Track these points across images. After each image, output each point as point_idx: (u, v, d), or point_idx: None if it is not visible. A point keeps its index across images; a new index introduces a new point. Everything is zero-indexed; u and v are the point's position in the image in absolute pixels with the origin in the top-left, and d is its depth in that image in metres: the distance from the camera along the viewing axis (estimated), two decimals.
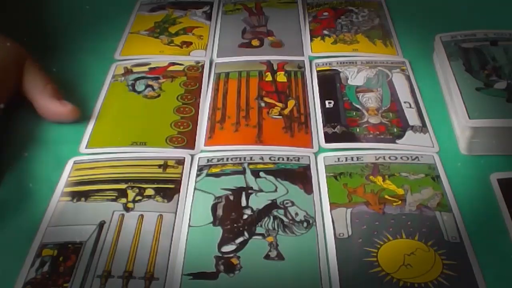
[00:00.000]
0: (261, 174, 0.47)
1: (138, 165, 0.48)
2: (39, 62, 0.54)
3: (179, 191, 0.46)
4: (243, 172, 0.47)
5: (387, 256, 0.41)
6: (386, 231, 0.42)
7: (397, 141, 0.50)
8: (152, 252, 0.41)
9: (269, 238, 0.42)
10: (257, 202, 0.45)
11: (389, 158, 0.48)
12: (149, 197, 0.45)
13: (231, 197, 0.45)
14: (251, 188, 0.46)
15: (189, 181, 0.47)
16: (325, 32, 0.64)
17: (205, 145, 0.50)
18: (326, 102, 0.54)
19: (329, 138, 0.50)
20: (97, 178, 0.47)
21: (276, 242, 0.42)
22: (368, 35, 0.63)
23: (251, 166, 0.48)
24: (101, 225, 0.43)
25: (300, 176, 0.47)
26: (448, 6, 0.66)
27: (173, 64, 0.59)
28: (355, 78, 0.57)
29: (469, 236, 0.42)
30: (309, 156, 0.49)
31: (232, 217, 0.44)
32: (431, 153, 0.49)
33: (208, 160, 0.48)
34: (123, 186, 0.46)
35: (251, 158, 0.49)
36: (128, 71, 0.59)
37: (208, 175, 0.47)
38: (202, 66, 0.59)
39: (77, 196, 0.45)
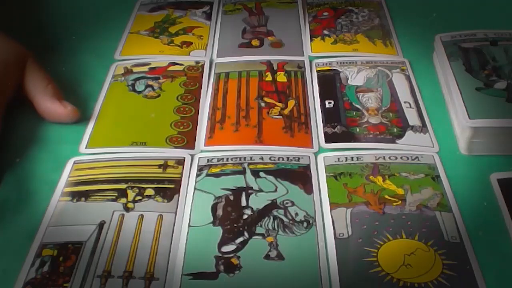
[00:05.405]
0: (261, 174, 0.47)
1: (138, 165, 0.48)
2: (39, 62, 0.54)
3: (179, 191, 0.46)
4: (243, 172, 0.47)
5: (387, 256, 0.41)
6: (386, 231, 0.42)
7: (397, 141, 0.50)
8: (152, 252, 0.41)
9: (269, 238, 0.42)
10: (257, 202, 0.45)
11: (389, 158, 0.48)
12: (149, 197, 0.45)
13: (231, 197, 0.45)
14: (251, 188, 0.46)
15: (189, 181, 0.47)
16: (325, 32, 0.64)
17: (205, 145, 0.50)
18: (326, 102, 0.54)
19: (329, 138, 0.50)
20: (97, 178, 0.47)
21: (276, 242, 0.42)
22: (368, 35, 0.63)
23: (251, 166, 0.48)
24: (101, 225, 0.43)
25: (300, 176, 0.47)
26: (448, 6, 0.66)
27: (173, 64, 0.59)
28: (355, 78, 0.57)
29: (469, 236, 0.42)
30: (309, 156, 0.49)
31: (232, 217, 0.44)
32: (431, 153, 0.49)
33: (208, 160, 0.49)
34: (123, 186, 0.46)
35: (251, 158, 0.49)
36: (128, 71, 0.59)
37: (208, 175, 0.47)
38: (202, 66, 0.59)
39: (77, 196, 0.46)
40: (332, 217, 0.44)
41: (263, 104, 0.54)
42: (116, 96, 0.56)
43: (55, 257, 0.41)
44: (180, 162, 0.48)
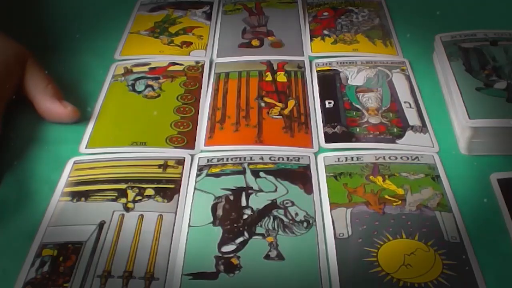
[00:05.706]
0: (261, 174, 0.47)
1: (138, 165, 0.48)
2: (39, 62, 0.54)
3: (179, 191, 0.46)
4: (243, 172, 0.47)
5: (387, 256, 0.41)
6: (386, 231, 0.42)
7: (397, 141, 0.50)
8: (152, 252, 0.41)
9: (269, 238, 0.42)
10: (257, 202, 0.45)
11: (389, 158, 0.48)
12: (149, 197, 0.45)
13: (231, 197, 0.45)
14: (251, 188, 0.46)
15: (189, 181, 0.47)
16: (325, 32, 0.64)
17: (205, 145, 0.50)
18: (326, 102, 0.54)
19: (329, 138, 0.50)
20: (97, 178, 0.47)
21: (276, 242, 0.42)
22: (368, 35, 0.63)
23: (251, 166, 0.48)
24: (101, 225, 0.43)
25: (300, 176, 0.47)
26: (448, 6, 0.66)
27: (173, 64, 0.59)
28: (355, 78, 0.57)
29: (469, 236, 0.42)
30: (309, 156, 0.49)
31: (232, 217, 0.44)
32: (431, 153, 0.49)
33: (208, 160, 0.49)
34: (123, 186, 0.46)
35: (251, 158, 0.49)
36: (128, 71, 0.59)
37: (208, 175, 0.47)
38: (202, 66, 0.59)
39: (77, 196, 0.46)
40: (332, 217, 0.44)
41: (263, 104, 0.54)
42: (116, 96, 0.56)
43: (55, 257, 0.41)
44: (180, 162, 0.48)
